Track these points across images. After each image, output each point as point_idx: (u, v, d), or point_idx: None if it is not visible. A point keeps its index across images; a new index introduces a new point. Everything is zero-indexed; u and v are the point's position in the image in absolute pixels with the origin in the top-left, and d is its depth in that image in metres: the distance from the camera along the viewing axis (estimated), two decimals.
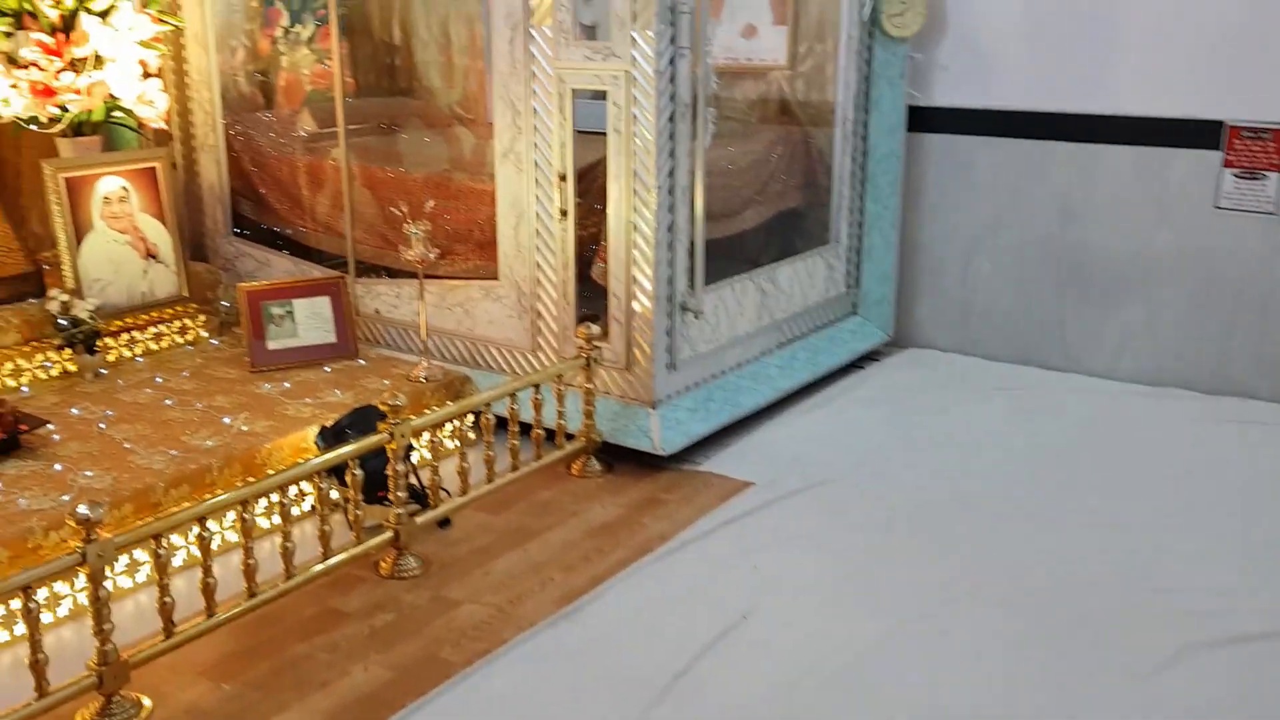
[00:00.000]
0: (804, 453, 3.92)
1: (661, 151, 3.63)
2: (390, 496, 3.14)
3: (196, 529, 2.71)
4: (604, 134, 3.73)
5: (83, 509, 2.40)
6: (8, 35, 4.22)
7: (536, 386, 3.57)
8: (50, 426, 3.60)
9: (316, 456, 3.50)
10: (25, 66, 4.16)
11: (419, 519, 3.22)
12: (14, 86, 4.18)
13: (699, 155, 3.71)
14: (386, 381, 4.07)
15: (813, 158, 4.82)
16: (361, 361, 4.29)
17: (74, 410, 3.77)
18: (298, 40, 5.16)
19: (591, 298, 3.96)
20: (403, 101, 5.59)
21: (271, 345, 4.24)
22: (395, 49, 5.72)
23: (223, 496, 2.75)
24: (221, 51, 4.99)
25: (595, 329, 3.71)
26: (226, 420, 3.69)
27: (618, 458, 3.84)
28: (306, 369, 4.19)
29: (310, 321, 4.31)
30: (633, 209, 3.69)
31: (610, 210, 3.75)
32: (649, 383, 3.82)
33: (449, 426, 3.91)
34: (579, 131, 3.81)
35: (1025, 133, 4.73)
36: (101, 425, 3.64)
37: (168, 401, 3.86)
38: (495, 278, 4.12)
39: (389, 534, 3.13)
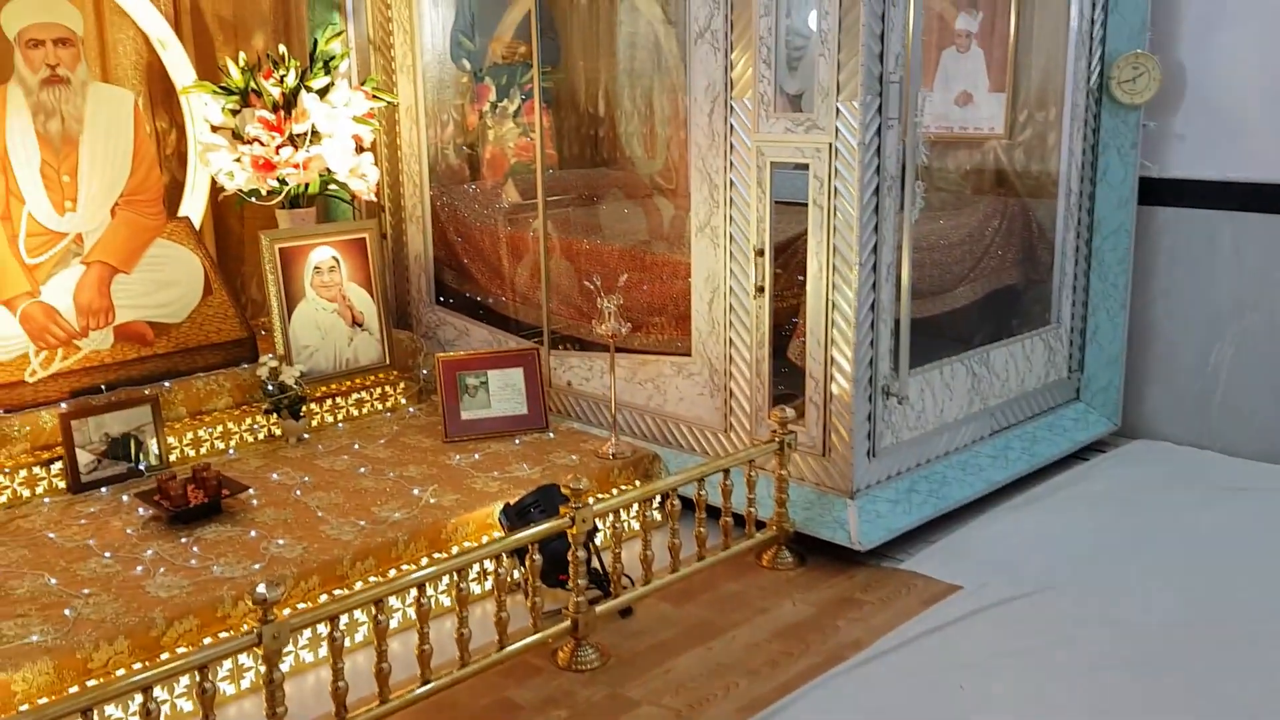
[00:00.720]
0: (1018, 555, 3.58)
1: (865, 226, 3.42)
2: (570, 584, 3.02)
3: (373, 610, 2.64)
4: (804, 204, 3.56)
5: (260, 589, 2.38)
6: (234, 112, 4.43)
7: (726, 472, 3.39)
8: (251, 491, 3.68)
9: (499, 534, 3.44)
10: (249, 142, 4.36)
11: (599, 608, 3.08)
12: (238, 160, 4.38)
13: (906, 230, 3.49)
14: (575, 457, 3.99)
15: (1032, 232, 4.50)
16: (551, 435, 4.23)
17: (274, 475, 3.86)
18: (504, 114, 5.25)
19: (787, 378, 3.77)
20: (604, 172, 5.59)
21: (465, 415, 4.24)
22: (599, 120, 5.74)
23: (400, 580, 2.69)
24: (431, 126, 5.12)
25: (790, 411, 3.52)
26: (416, 492, 3.68)
27: (811, 549, 3.61)
28: (497, 440, 4.16)
29: (503, 393, 4.29)
30: (833, 286, 3.50)
31: (809, 287, 3.56)
32: (847, 471, 3.58)
33: (634, 507, 3.78)
34: (777, 202, 3.66)
35: (1275, 206, 4.26)
36: (298, 492, 3.70)
37: (362, 470, 3.90)
38: (688, 354, 3.99)
39: (567, 623, 3.00)
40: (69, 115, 3.94)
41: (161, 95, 4.65)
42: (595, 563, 3.24)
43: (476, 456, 4.01)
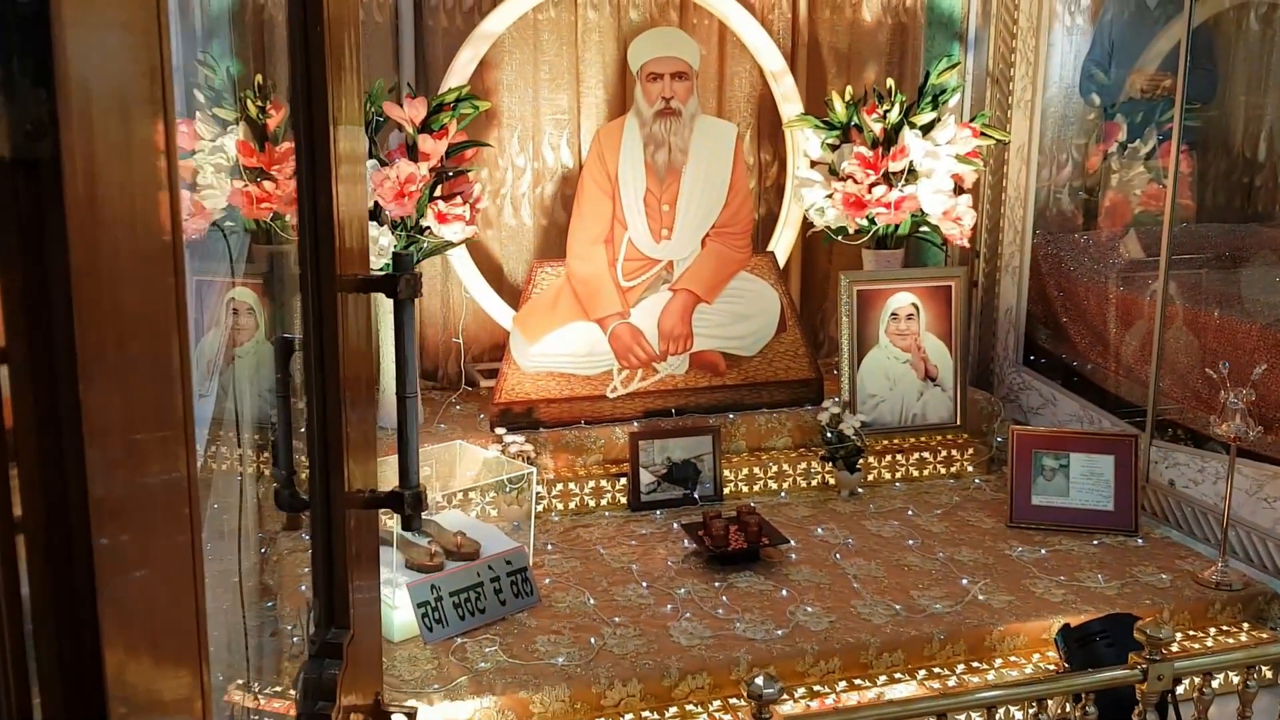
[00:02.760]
0: None
1: None
2: None
3: None
4: None
5: (759, 683, 2.15)
6: (833, 147, 4.31)
7: None
8: (791, 543, 3.51)
9: (1052, 662, 2.92)
10: (843, 178, 4.21)
11: None
12: (829, 197, 4.25)
13: None
14: (1165, 576, 3.30)
15: None
16: (1139, 541, 3.55)
17: (819, 530, 3.66)
18: (1134, 156, 4.57)
19: None
20: (1253, 229, 4.67)
21: (1036, 500, 3.72)
22: (1256, 166, 4.82)
23: (917, 703, 2.31)
24: (1046, 167, 4.61)
25: None
26: (965, 582, 3.26)
27: None
28: (1071, 536, 3.59)
29: (1085, 481, 3.70)
30: None
31: None
32: None
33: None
34: None
35: None
36: (837, 555, 3.46)
37: (910, 542, 3.56)
38: None
39: None
40: (675, 146, 4.06)
41: (769, 128, 4.67)
42: None
43: (1042, 553, 3.47)
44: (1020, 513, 3.71)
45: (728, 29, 4.48)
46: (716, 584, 3.27)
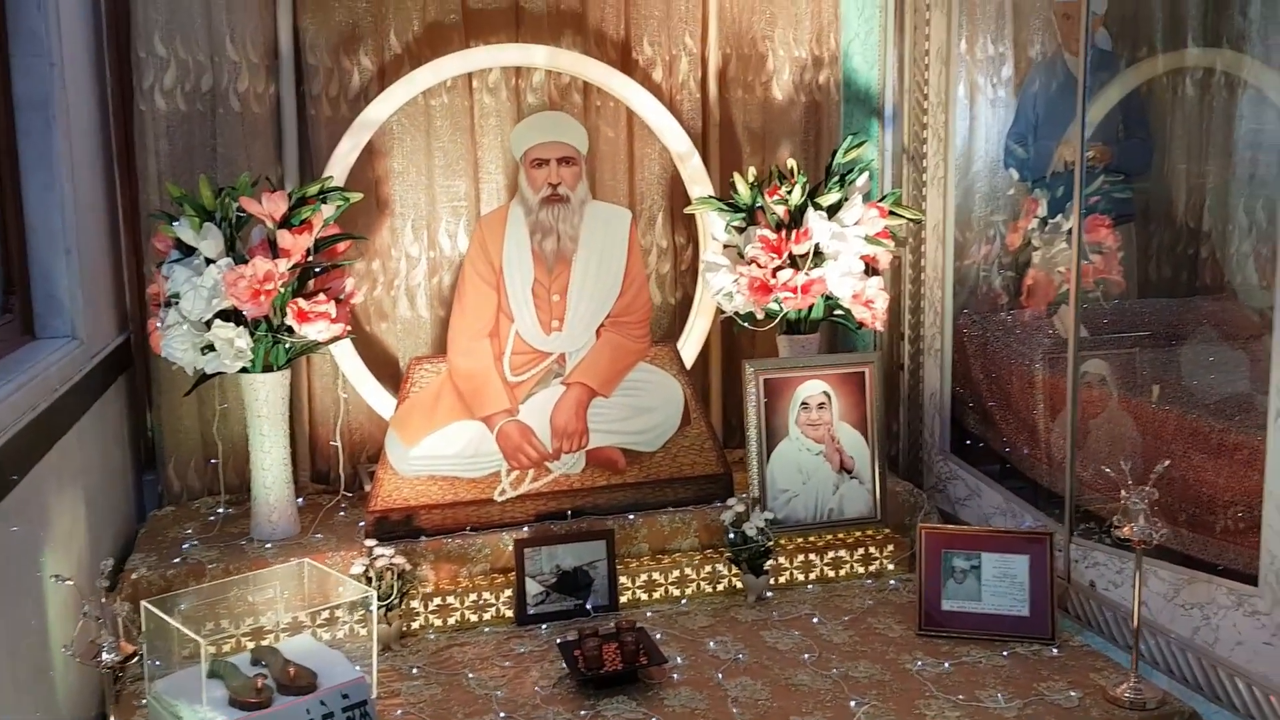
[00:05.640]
0: None
1: None
2: None
3: None
4: None
5: None
6: (739, 230, 4.12)
7: None
8: (677, 661, 3.25)
9: None
10: (749, 262, 4.01)
11: None
12: (735, 281, 4.04)
13: None
14: (1075, 694, 3.02)
15: None
16: (1054, 649, 3.27)
17: (711, 643, 3.39)
18: (1056, 231, 4.35)
19: None
20: (1191, 304, 4.43)
21: (947, 605, 3.44)
22: (1198, 237, 4.59)
23: None
24: (975, 244, 4.41)
25: None
26: (852, 705, 2.98)
27: None
28: (981, 645, 3.31)
29: (998, 584, 3.42)
30: None
31: None
32: None
33: None
34: None
35: None
36: (719, 675, 3.18)
37: (806, 656, 3.28)
38: (1253, 582, 2.82)
39: None
40: (565, 234, 3.87)
41: (680, 209, 4.48)
42: None
43: (946, 666, 3.19)
44: (930, 619, 3.43)
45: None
46: (583, 713, 3.00)
